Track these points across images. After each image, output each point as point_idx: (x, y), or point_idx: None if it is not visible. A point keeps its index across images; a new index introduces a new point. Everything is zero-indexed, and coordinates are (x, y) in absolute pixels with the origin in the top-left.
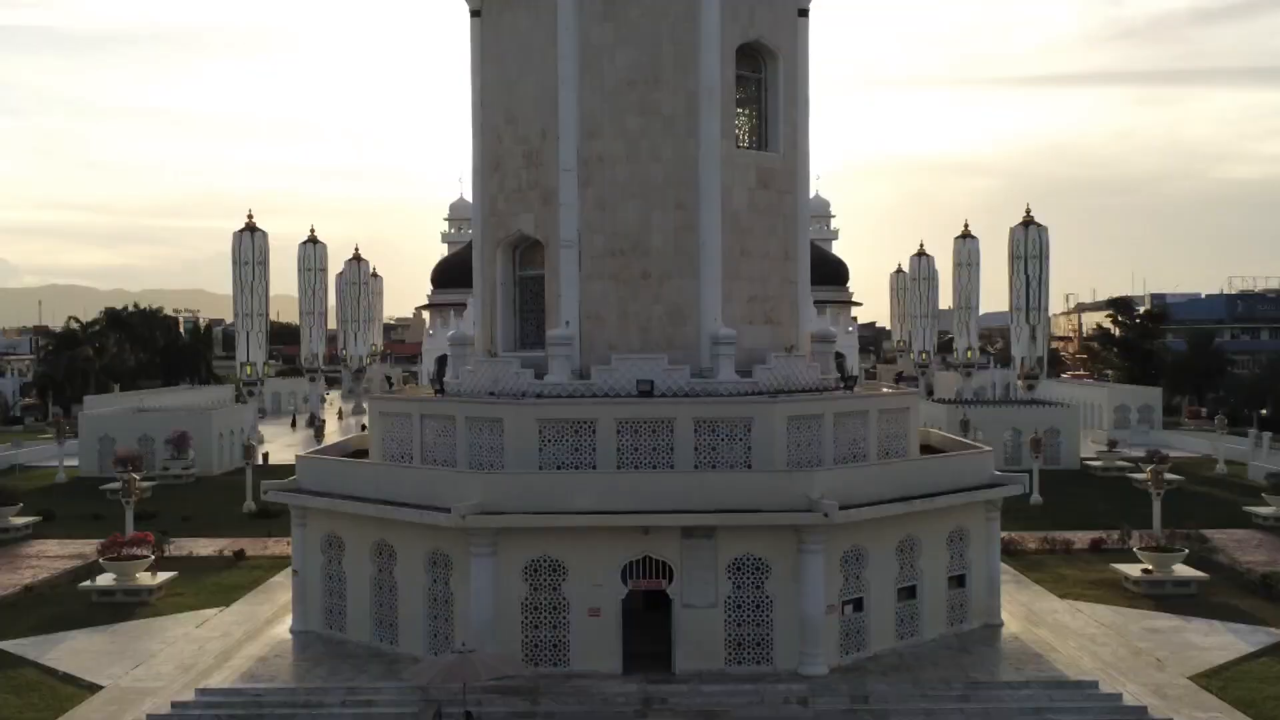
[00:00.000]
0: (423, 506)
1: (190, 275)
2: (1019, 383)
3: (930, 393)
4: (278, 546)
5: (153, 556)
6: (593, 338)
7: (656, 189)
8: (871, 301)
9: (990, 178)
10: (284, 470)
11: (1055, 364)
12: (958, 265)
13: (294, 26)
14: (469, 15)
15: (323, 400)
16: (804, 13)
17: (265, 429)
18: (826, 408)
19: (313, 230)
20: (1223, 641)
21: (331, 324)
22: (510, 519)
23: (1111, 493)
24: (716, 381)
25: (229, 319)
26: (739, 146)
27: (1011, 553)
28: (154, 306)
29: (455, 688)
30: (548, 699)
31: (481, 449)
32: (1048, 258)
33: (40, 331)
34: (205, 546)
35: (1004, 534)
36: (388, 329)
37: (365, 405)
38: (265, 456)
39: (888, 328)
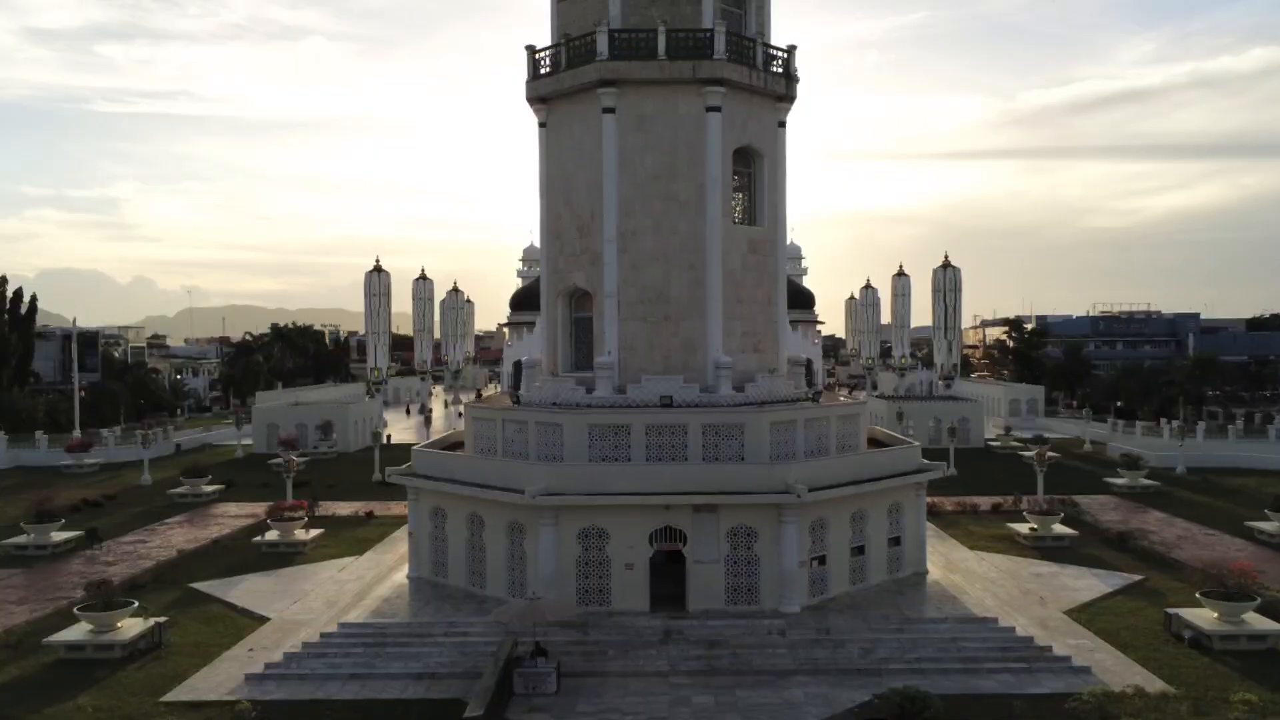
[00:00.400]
0: (504, 489)
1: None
2: (939, 382)
3: (875, 387)
4: (398, 508)
5: (306, 518)
6: (628, 363)
7: (675, 255)
8: (830, 319)
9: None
10: (402, 449)
11: (966, 367)
12: (895, 295)
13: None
14: (538, 126)
15: (430, 394)
16: (782, 124)
17: (388, 416)
18: (799, 415)
19: (423, 270)
20: (1089, 584)
21: (436, 334)
22: (567, 499)
23: (1008, 466)
24: (718, 396)
25: (361, 332)
26: (735, 223)
27: (934, 513)
28: (306, 323)
29: (528, 626)
30: (595, 630)
31: (547, 445)
32: (960, 291)
33: (223, 341)
34: (344, 508)
35: (929, 499)
36: (478, 339)
37: (461, 398)
38: (389, 438)
39: (844, 337)
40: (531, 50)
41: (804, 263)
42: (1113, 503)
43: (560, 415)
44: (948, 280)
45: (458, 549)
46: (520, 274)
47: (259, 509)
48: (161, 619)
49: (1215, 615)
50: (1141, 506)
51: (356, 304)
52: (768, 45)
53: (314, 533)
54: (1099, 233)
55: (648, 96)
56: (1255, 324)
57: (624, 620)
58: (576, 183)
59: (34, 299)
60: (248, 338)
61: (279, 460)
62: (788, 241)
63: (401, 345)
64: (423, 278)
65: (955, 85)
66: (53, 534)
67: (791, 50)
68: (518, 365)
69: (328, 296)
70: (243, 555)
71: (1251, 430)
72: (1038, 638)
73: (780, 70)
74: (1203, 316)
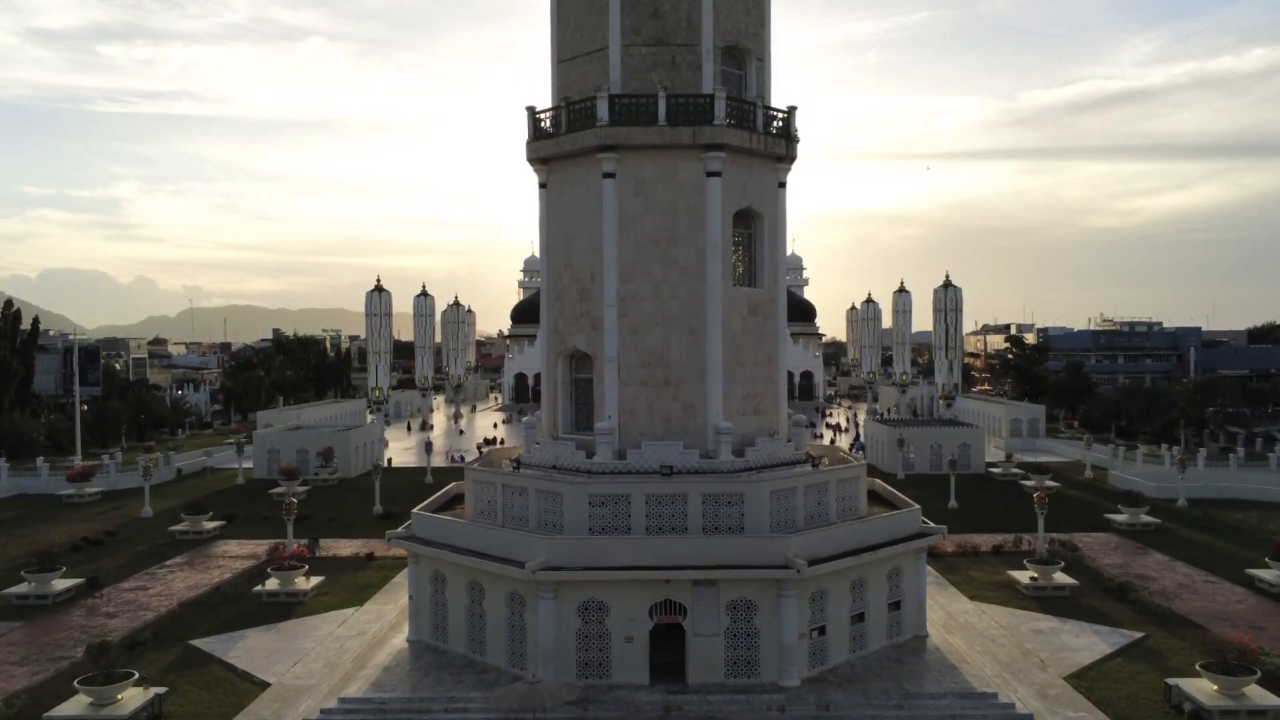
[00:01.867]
0: (503, 560)
1: (334, 297)
2: (940, 400)
3: (875, 399)
4: (399, 549)
5: (306, 567)
6: (628, 427)
7: (675, 319)
8: (830, 320)
9: (918, 226)
10: (403, 474)
11: (967, 377)
12: (896, 311)
13: (410, 116)
14: (538, 186)
15: (431, 410)
16: (782, 185)
17: (389, 435)
18: (799, 482)
19: (424, 286)
20: (1090, 642)
21: (438, 336)
22: (567, 574)
23: (1008, 497)
24: (718, 462)
25: (362, 336)
26: (735, 285)
27: (934, 555)
28: (308, 323)
29: (527, 711)
30: (595, 706)
31: (547, 513)
32: (961, 310)
33: (224, 348)
34: (345, 547)
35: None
36: (479, 344)
37: (461, 412)
38: (389, 461)
39: (844, 340)
40: (532, 111)
41: (805, 273)
42: (1113, 542)
43: (560, 484)
44: (949, 300)
45: (458, 614)
46: (521, 284)
47: (260, 547)
48: (161, 690)
49: (1215, 688)
50: (1142, 548)
51: (357, 304)
52: (768, 108)
53: (314, 580)
54: (1100, 233)
55: (648, 161)
56: (1256, 335)
57: (623, 695)
58: (576, 245)
59: (35, 321)
60: (248, 350)
61: (280, 490)
62: (788, 252)
63: (403, 352)
64: (424, 294)
65: (956, 85)
66: (54, 582)
67: (791, 111)
68: (519, 378)
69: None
70: (243, 605)
71: (1253, 456)
72: (1038, 714)
73: (780, 131)
74: (1206, 325)
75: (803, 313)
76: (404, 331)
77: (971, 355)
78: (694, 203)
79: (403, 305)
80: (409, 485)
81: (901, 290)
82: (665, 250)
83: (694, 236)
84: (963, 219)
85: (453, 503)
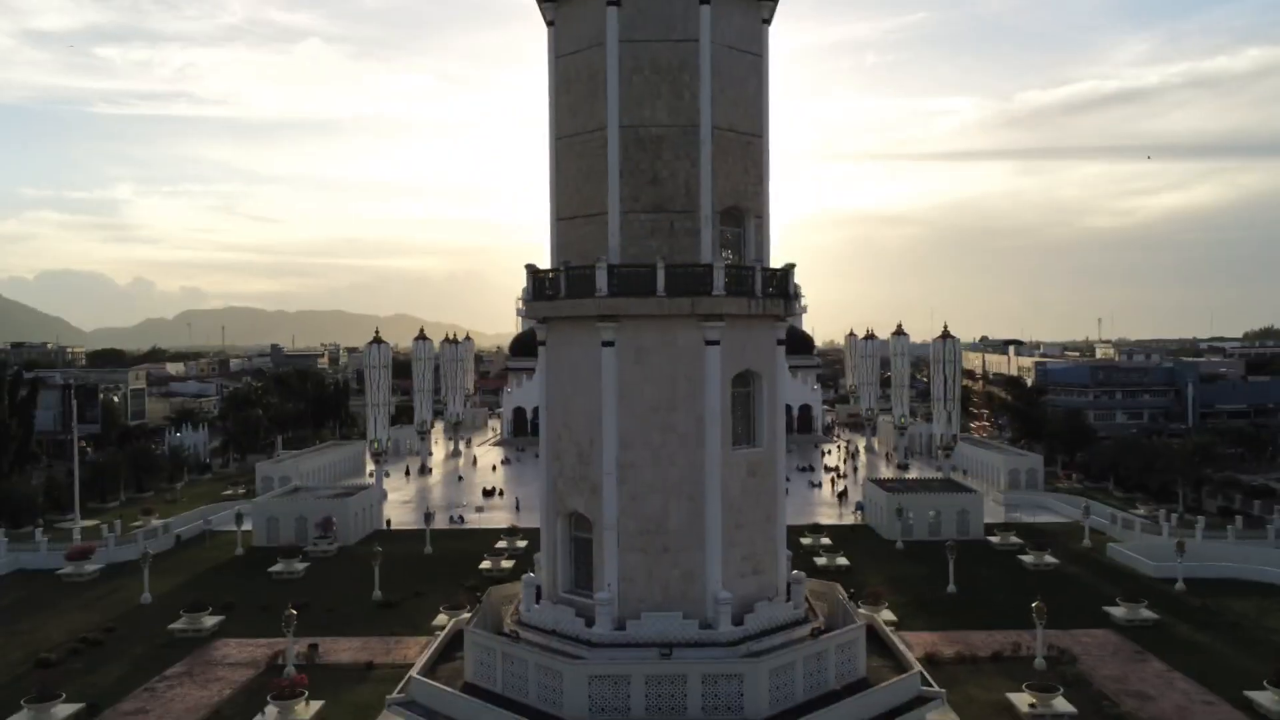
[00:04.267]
0: None
1: (332, 299)
2: (940, 451)
3: (874, 431)
4: (399, 651)
5: (305, 693)
6: (627, 595)
7: (674, 486)
8: (829, 324)
9: (914, 227)
10: (403, 540)
11: (965, 403)
12: (894, 355)
13: (408, 117)
14: (538, 343)
15: (430, 453)
16: (781, 341)
17: (387, 482)
18: (798, 654)
19: (422, 330)
20: None
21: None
22: None
23: (1008, 575)
24: (717, 633)
25: (361, 343)
26: (734, 447)
27: (932, 662)
28: (306, 343)
29: None
30: None
31: (546, 688)
32: (959, 361)
33: (223, 366)
34: (344, 648)
35: (926, 637)
36: (477, 359)
37: (460, 449)
38: (388, 523)
39: (840, 340)
40: (532, 271)
41: (803, 301)
42: (1112, 644)
43: (559, 662)
44: (947, 352)
45: None
46: (519, 312)
47: (261, 649)
48: None
49: None
50: (1141, 652)
51: (355, 306)
52: (766, 270)
53: (314, 706)
54: (1097, 232)
55: (647, 329)
56: (1254, 365)
57: None
58: (575, 407)
59: (35, 381)
60: (246, 385)
61: (279, 568)
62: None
63: (401, 372)
64: (421, 337)
65: (952, 86)
66: (54, 710)
67: (790, 269)
68: (518, 412)
69: (327, 298)
70: None
71: (1251, 522)
72: None
73: (778, 290)
74: (1204, 331)
75: (801, 345)
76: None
77: (970, 378)
78: (693, 370)
79: (402, 305)
80: (409, 556)
81: (899, 333)
82: (664, 418)
83: (693, 404)
84: (960, 219)
85: (454, 643)
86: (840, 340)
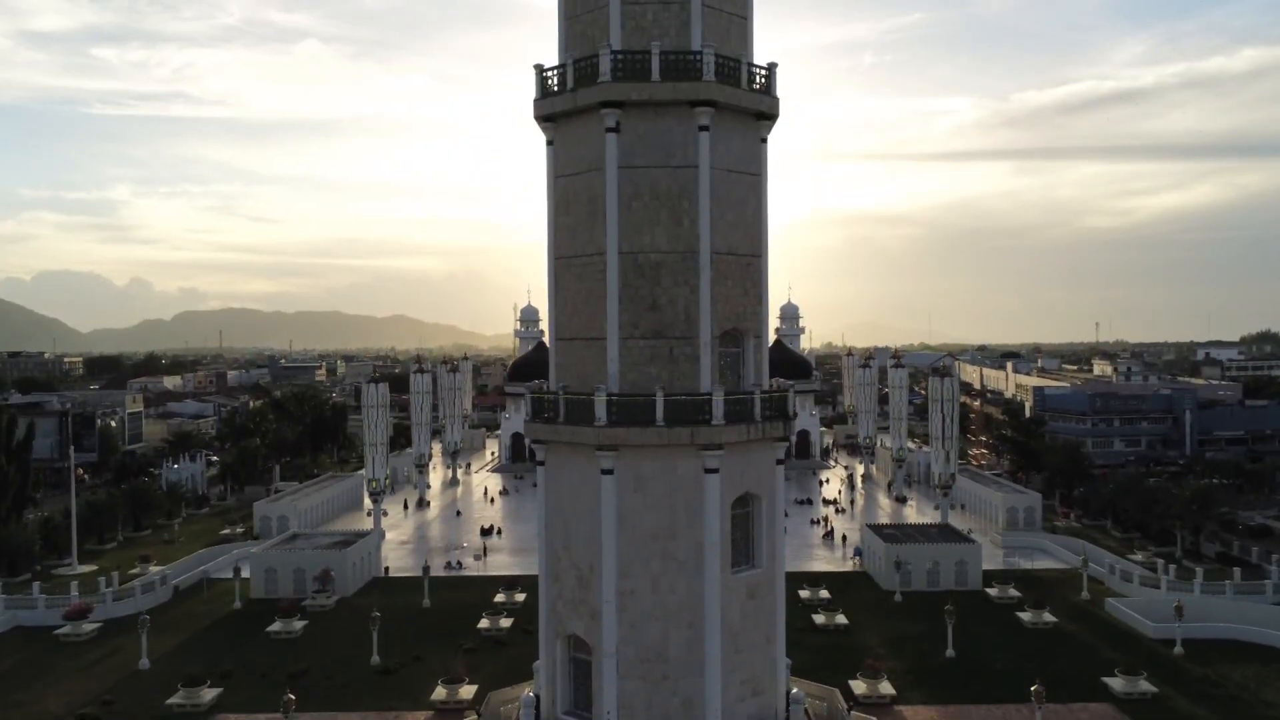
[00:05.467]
0: None
1: (331, 299)
2: (938, 490)
3: (873, 455)
4: None
5: None
6: None
7: (674, 614)
8: (826, 323)
9: (913, 226)
10: (401, 589)
11: (964, 422)
12: (892, 387)
13: (406, 118)
14: (538, 464)
15: (428, 486)
16: (780, 461)
17: (384, 520)
18: None
19: (420, 361)
20: None
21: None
22: None
23: (1007, 634)
24: None
25: (359, 346)
26: (734, 569)
27: None
28: (305, 345)
29: None
30: None
31: None
32: (956, 400)
33: (220, 383)
34: None
35: (925, 712)
36: (476, 372)
37: (459, 477)
38: (386, 570)
39: (836, 342)
40: (534, 391)
41: (801, 321)
42: (1109, 716)
43: None
44: (945, 390)
45: None
46: (518, 334)
47: None
48: None
49: None
50: None
51: (353, 307)
52: (765, 393)
53: None
54: (1095, 232)
55: (646, 458)
56: (1251, 389)
57: None
58: (575, 531)
59: (31, 426)
60: (243, 421)
61: (278, 628)
62: (785, 297)
63: (398, 386)
64: (420, 370)
65: (949, 86)
66: None
67: (789, 389)
68: (516, 437)
69: (325, 299)
70: None
71: (1249, 571)
72: None
73: (777, 412)
74: (1202, 335)
75: (799, 370)
76: (403, 327)
77: (967, 393)
78: (692, 498)
79: (401, 306)
80: (407, 610)
81: (898, 365)
82: (664, 545)
83: (692, 531)
84: (958, 219)
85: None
86: (838, 342)
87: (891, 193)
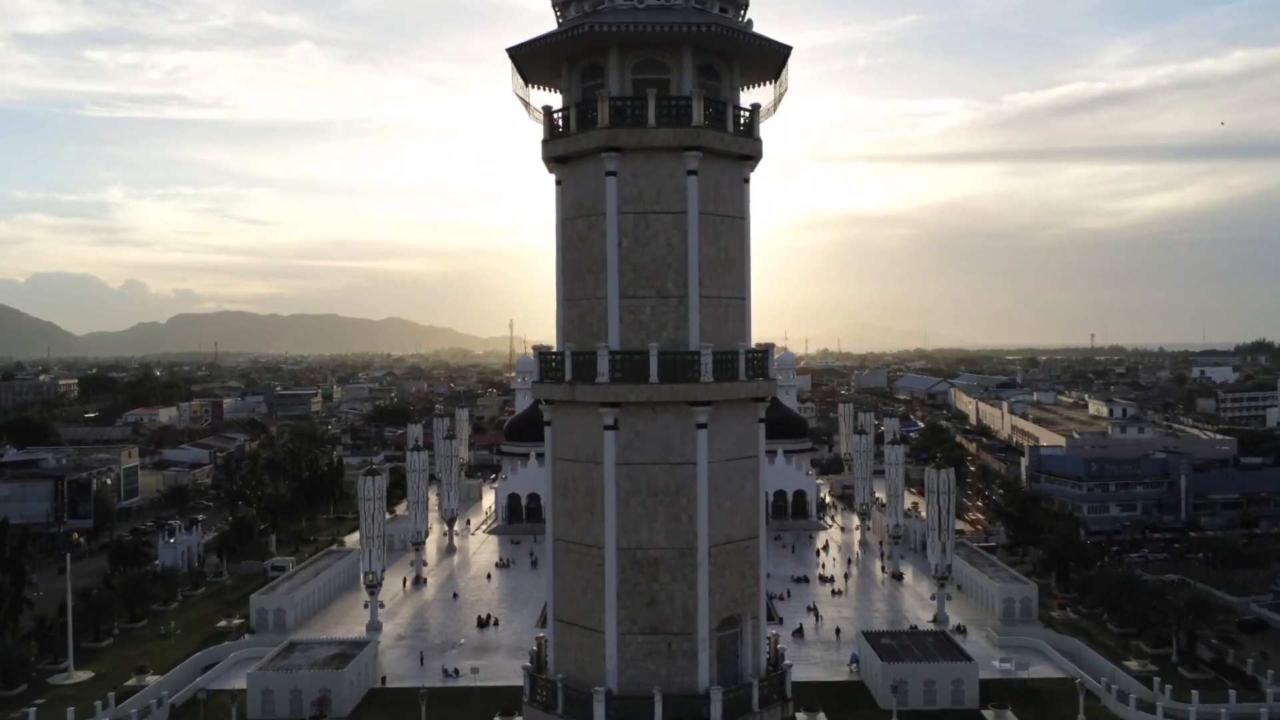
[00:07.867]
0: None
1: (326, 302)
2: (935, 581)
3: (868, 519)
4: None
5: None
6: None
7: None
8: (823, 325)
9: (907, 228)
10: (398, 699)
11: (960, 477)
12: (889, 464)
13: (400, 120)
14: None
15: (425, 563)
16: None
17: (381, 609)
18: None
19: (417, 441)
20: None
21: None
22: None
23: None
24: None
25: (353, 349)
26: None
27: None
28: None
29: None
30: None
31: None
32: (953, 492)
33: (216, 413)
34: None
35: None
36: (471, 416)
37: (456, 543)
38: (384, 679)
39: (834, 348)
40: (531, 672)
41: (795, 373)
42: None
43: None
44: (941, 483)
45: None
46: (516, 387)
47: None
48: None
49: None
50: None
51: (348, 309)
52: (764, 680)
53: None
54: (1089, 234)
55: None
56: (1246, 446)
57: None
58: None
59: (25, 531)
60: (241, 453)
61: None
62: (781, 350)
63: (395, 419)
64: (417, 449)
65: (942, 88)
66: None
67: (787, 670)
68: (512, 498)
69: (321, 301)
70: None
71: (1244, 683)
72: None
73: (777, 696)
74: (1198, 340)
75: (793, 429)
76: (399, 330)
77: (964, 429)
78: None
79: (396, 308)
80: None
81: (894, 442)
82: None
83: None
84: (952, 220)
85: None
86: (832, 347)
87: (885, 195)
